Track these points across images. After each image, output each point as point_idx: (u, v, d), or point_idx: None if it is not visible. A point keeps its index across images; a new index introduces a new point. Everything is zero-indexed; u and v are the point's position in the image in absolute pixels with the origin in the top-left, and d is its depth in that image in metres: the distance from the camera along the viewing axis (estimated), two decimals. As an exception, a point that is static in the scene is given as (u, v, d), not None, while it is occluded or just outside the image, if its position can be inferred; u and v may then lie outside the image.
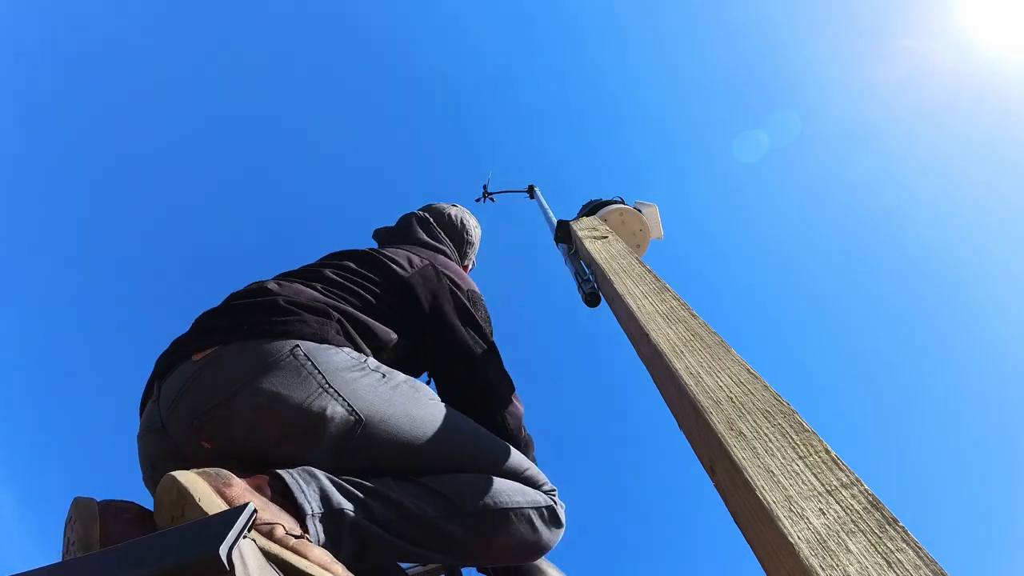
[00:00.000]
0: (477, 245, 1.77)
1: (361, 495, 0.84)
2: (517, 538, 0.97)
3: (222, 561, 0.45)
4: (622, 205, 1.99)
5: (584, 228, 1.55)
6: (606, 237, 1.43)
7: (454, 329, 1.21)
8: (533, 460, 1.23)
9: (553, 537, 1.04)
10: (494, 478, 0.99)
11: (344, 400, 0.88)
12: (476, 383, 1.20)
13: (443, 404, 1.05)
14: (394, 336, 1.14)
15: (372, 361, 1.01)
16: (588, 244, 1.40)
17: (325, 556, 0.72)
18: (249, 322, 0.95)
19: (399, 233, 1.56)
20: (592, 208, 1.98)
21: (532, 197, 2.85)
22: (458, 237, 1.67)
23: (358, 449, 0.89)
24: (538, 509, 1.01)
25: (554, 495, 1.07)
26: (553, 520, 1.04)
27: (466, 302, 1.27)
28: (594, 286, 1.37)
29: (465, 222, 1.71)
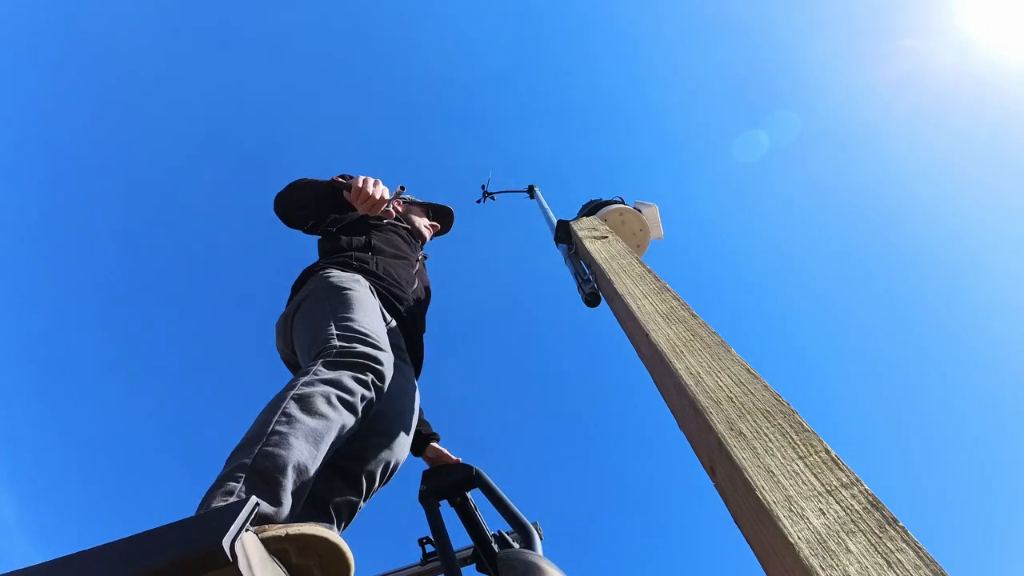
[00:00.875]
0: None
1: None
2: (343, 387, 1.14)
3: (225, 553, 0.45)
4: (622, 205, 1.99)
5: (584, 228, 1.55)
6: (606, 237, 1.44)
7: None
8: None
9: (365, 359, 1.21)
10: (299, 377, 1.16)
11: (324, 277, 1.59)
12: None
13: (330, 297, 1.46)
14: (332, 230, 1.89)
15: (353, 276, 1.63)
16: (588, 244, 1.40)
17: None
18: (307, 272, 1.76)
19: None
20: (592, 208, 1.99)
21: (532, 197, 2.85)
22: None
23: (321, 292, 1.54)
24: (331, 378, 1.14)
25: (332, 339, 1.27)
26: (344, 353, 1.21)
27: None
28: (594, 286, 1.37)
29: None
